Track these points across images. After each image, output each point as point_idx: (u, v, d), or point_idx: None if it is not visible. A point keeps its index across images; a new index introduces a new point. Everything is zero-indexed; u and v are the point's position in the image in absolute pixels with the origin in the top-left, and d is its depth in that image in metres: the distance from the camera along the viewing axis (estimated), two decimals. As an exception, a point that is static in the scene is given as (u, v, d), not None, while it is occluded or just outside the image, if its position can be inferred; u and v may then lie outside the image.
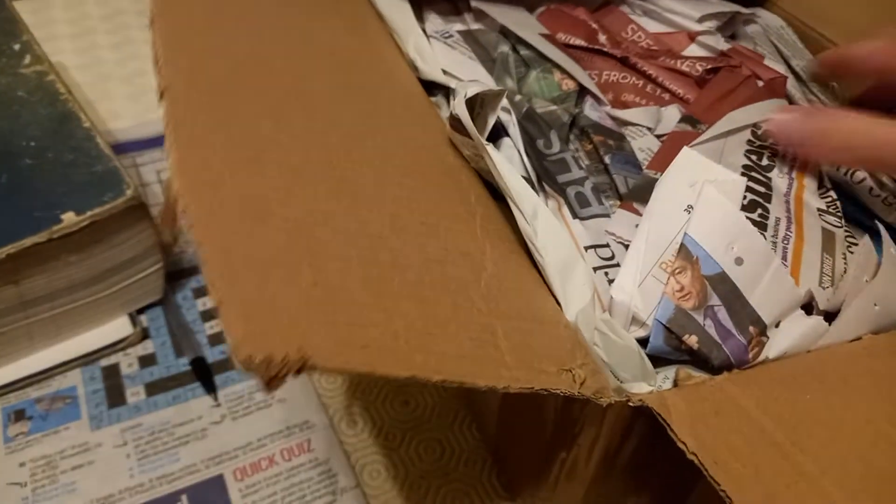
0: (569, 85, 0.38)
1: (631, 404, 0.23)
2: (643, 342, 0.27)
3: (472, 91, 0.32)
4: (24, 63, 0.46)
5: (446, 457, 0.39)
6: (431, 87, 0.38)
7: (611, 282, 0.29)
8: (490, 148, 0.30)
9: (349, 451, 0.39)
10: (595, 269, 0.30)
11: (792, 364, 0.26)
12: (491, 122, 0.33)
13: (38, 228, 0.37)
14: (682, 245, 0.27)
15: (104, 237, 0.39)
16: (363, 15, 0.40)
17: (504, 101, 0.33)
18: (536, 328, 0.26)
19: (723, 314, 0.27)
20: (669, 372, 0.26)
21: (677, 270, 0.27)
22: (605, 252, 0.31)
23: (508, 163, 0.30)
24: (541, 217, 0.29)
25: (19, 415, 0.39)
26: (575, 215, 0.32)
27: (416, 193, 0.29)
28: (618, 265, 0.30)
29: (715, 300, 0.27)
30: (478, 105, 0.34)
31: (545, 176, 0.33)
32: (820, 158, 0.33)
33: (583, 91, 0.38)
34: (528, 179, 0.32)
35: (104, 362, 0.41)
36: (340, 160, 0.28)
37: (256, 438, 0.39)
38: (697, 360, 0.26)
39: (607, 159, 0.34)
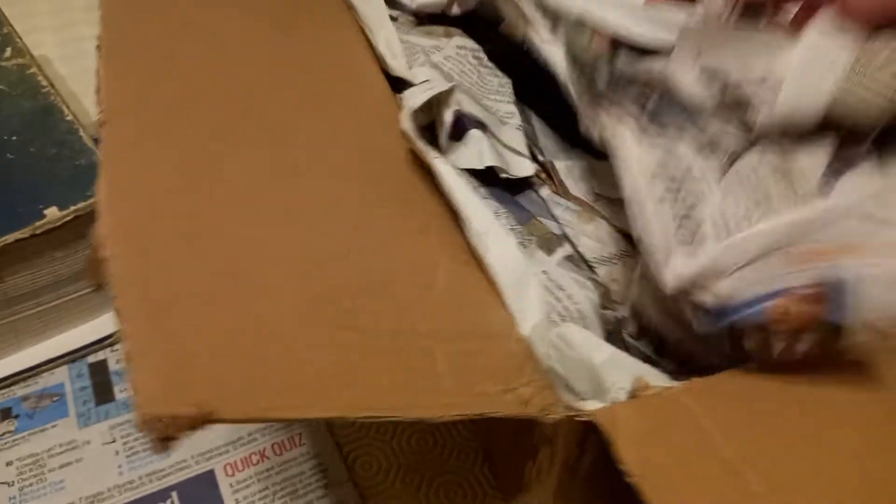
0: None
1: (578, 419, 0.23)
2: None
3: (419, 100, 0.31)
4: (5, 56, 0.45)
5: (438, 448, 0.38)
6: (401, 84, 0.37)
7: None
8: (439, 162, 0.29)
9: (341, 443, 0.38)
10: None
11: (755, 373, 0.25)
12: (448, 120, 0.32)
13: (21, 224, 0.36)
14: None
15: (88, 232, 0.38)
16: (334, 9, 0.39)
17: (459, 95, 0.33)
18: (483, 346, 0.25)
19: None
20: (627, 381, 0.25)
21: None
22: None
23: (460, 175, 0.30)
24: (492, 234, 0.28)
25: (6, 413, 0.38)
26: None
27: (373, 210, 0.28)
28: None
29: None
30: (434, 105, 0.33)
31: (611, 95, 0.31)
32: None
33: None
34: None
35: (91, 359, 0.41)
36: (292, 181, 0.27)
37: (247, 433, 0.38)
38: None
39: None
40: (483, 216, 0.28)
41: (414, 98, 0.31)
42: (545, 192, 0.34)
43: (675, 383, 0.25)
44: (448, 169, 0.29)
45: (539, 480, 0.28)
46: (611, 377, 0.26)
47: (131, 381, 0.18)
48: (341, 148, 0.31)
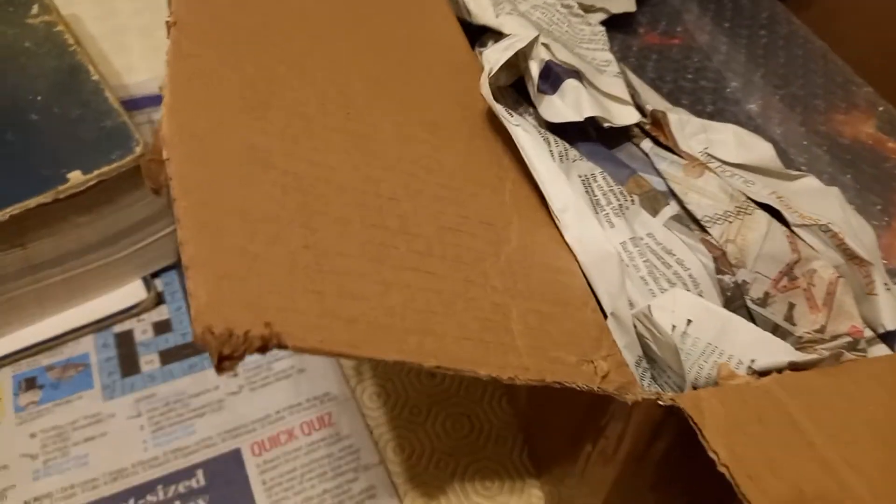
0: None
1: (661, 403, 0.20)
2: None
3: (499, 61, 0.29)
4: (32, 13, 0.44)
5: (475, 433, 0.36)
6: (484, 33, 0.35)
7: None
8: (520, 130, 0.27)
9: (372, 425, 0.36)
10: None
11: (853, 369, 0.22)
12: (535, 73, 0.30)
13: (44, 188, 0.34)
14: None
15: (114, 197, 0.37)
16: None
17: (546, 44, 0.30)
18: (559, 311, 0.23)
19: None
20: (712, 369, 0.23)
21: None
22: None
23: (541, 145, 0.27)
24: (571, 211, 0.25)
25: (30, 383, 0.37)
26: None
27: (441, 153, 0.26)
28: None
29: None
30: (521, 59, 0.31)
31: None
32: None
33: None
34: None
35: (117, 328, 0.40)
36: (360, 112, 0.25)
37: (275, 411, 0.37)
38: None
39: None
40: (563, 192, 0.26)
41: (493, 59, 0.29)
42: (647, 144, 0.31)
43: (802, 356, 0.22)
44: (529, 138, 0.27)
45: (597, 466, 0.26)
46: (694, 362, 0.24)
47: (189, 289, 0.17)
48: (413, 91, 0.28)
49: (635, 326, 0.24)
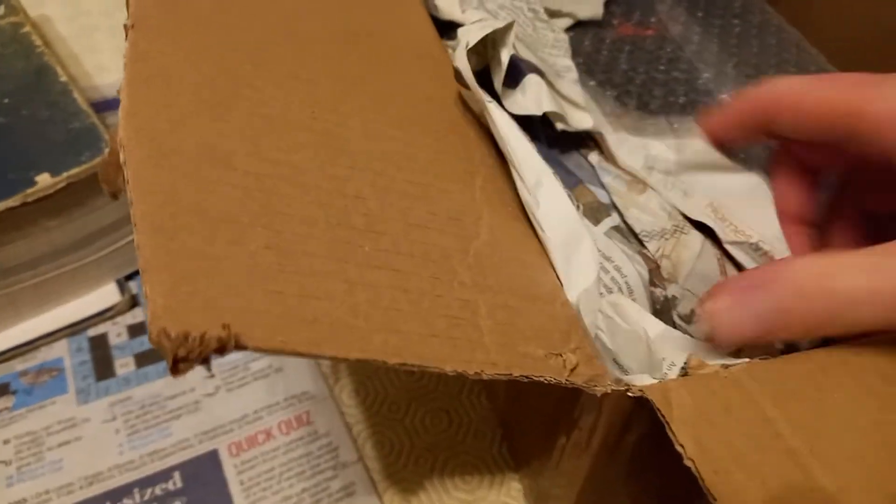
0: None
1: (630, 394, 0.20)
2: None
3: (475, 37, 0.29)
4: (-2, 14, 0.43)
5: (454, 428, 0.36)
6: (450, 29, 0.34)
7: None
8: (493, 106, 0.27)
9: (351, 422, 0.36)
10: None
11: (825, 356, 0.22)
12: (506, 60, 0.30)
13: (12, 192, 0.34)
14: None
15: (84, 200, 0.36)
16: None
17: (515, 38, 0.30)
18: (528, 306, 0.23)
19: None
20: (679, 358, 0.23)
21: None
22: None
23: (514, 124, 0.27)
24: (545, 186, 0.25)
25: (3, 389, 0.37)
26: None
27: (410, 149, 0.25)
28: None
29: None
30: (490, 47, 0.30)
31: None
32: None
33: None
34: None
35: (91, 332, 0.39)
36: (326, 110, 0.25)
37: (252, 411, 0.36)
38: None
39: None
40: (536, 166, 0.26)
41: (470, 34, 0.28)
42: (594, 157, 0.31)
43: (734, 361, 0.22)
44: (502, 114, 0.27)
45: (572, 458, 0.26)
46: (664, 352, 0.24)
47: (146, 293, 0.16)
48: (382, 87, 0.28)
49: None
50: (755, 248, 0.27)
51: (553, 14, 0.39)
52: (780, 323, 0.21)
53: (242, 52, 0.25)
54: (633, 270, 0.25)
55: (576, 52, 0.38)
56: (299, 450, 0.35)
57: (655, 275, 0.27)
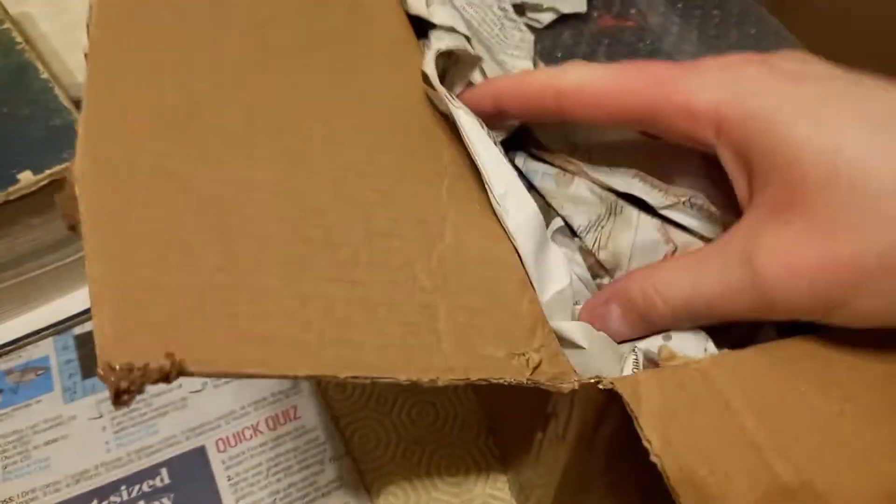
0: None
1: (601, 387, 0.20)
2: None
3: (445, 45, 0.29)
4: (-23, 11, 0.43)
5: (440, 421, 0.36)
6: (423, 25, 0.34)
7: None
8: (462, 112, 0.27)
9: (338, 417, 0.36)
10: None
11: (791, 347, 0.22)
12: (464, 81, 0.30)
13: (-7, 190, 0.34)
14: None
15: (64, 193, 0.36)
16: None
17: (477, 72, 0.30)
18: (491, 305, 0.23)
19: None
20: (653, 343, 0.23)
21: None
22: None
23: (482, 130, 0.27)
24: (512, 195, 0.25)
25: (-12, 388, 0.37)
26: None
27: (375, 154, 0.25)
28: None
29: None
30: (452, 62, 0.31)
31: None
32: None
33: None
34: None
35: (78, 330, 0.39)
36: (289, 123, 0.25)
37: (240, 407, 0.36)
38: None
39: None
40: (504, 174, 0.26)
41: (441, 41, 0.28)
42: (520, 160, 0.31)
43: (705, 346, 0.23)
44: (470, 119, 0.27)
45: (549, 451, 0.26)
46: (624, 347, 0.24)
47: (94, 326, 0.17)
48: (348, 90, 0.28)
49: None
50: (691, 206, 0.27)
51: (534, 8, 0.39)
52: (643, 326, 0.24)
53: (204, 70, 0.25)
54: (574, 271, 0.26)
55: (555, 45, 0.38)
56: (287, 445, 0.35)
57: (597, 267, 0.27)
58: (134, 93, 0.23)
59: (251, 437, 0.35)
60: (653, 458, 0.18)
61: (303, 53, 0.28)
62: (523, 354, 0.21)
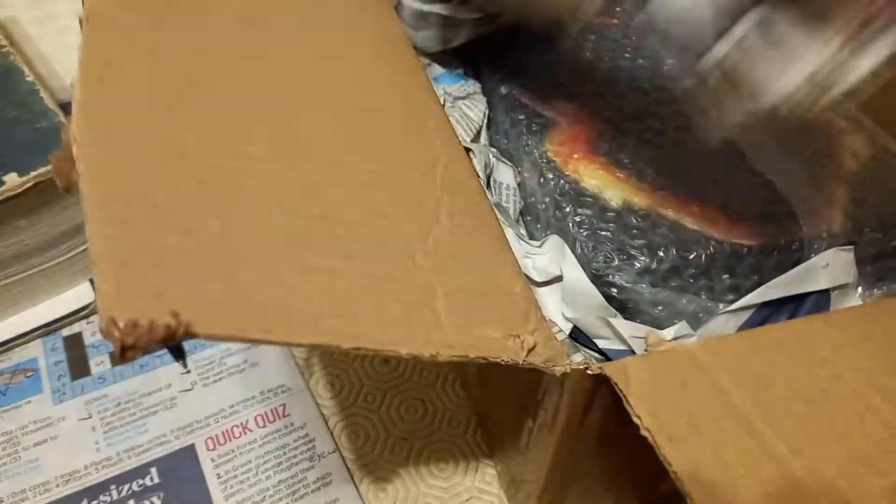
0: None
1: (589, 372, 0.21)
2: None
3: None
4: (-37, 15, 0.43)
5: (429, 416, 0.37)
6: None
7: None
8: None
9: (327, 414, 0.37)
10: None
11: (777, 331, 0.23)
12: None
13: (-21, 192, 0.34)
14: None
15: (54, 199, 0.36)
16: None
17: None
18: (487, 289, 0.23)
19: None
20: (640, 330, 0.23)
21: None
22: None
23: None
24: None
25: (-23, 390, 0.37)
26: None
27: (370, 137, 0.26)
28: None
29: None
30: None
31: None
32: None
33: None
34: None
35: (66, 332, 0.39)
36: (284, 101, 0.25)
37: (229, 405, 0.37)
38: None
39: None
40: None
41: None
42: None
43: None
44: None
45: (539, 440, 0.26)
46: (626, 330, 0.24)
47: (96, 284, 0.17)
48: (344, 75, 0.28)
49: None
50: None
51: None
52: None
53: (198, 45, 0.26)
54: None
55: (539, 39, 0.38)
56: (276, 442, 0.35)
57: None
58: (130, 60, 0.23)
59: (241, 434, 0.36)
60: (643, 432, 0.19)
61: (298, 35, 0.29)
62: (518, 336, 0.22)
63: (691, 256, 0.30)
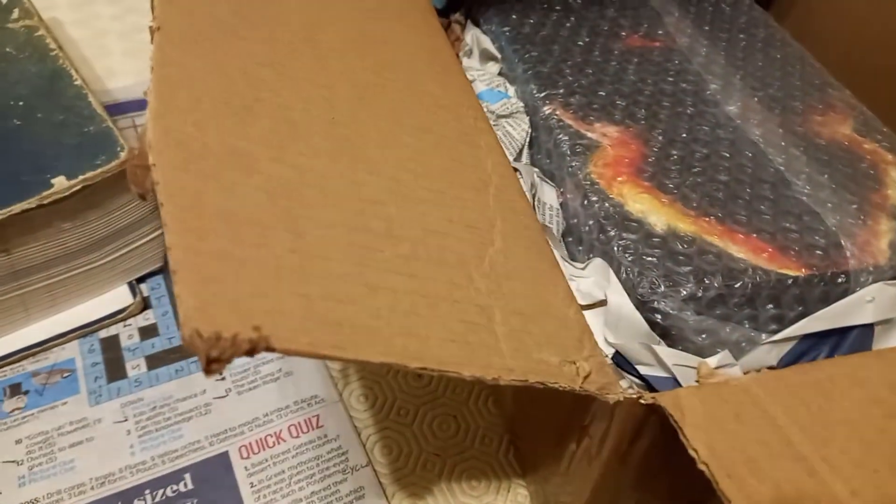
0: None
1: (642, 402, 0.21)
2: None
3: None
4: (12, 18, 0.44)
5: (461, 433, 0.37)
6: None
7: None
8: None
9: (360, 427, 0.37)
10: None
11: (831, 366, 0.23)
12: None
13: (28, 194, 0.34)
14: None
15: (99, 202, 0.37)
16: None
17: None
18: (542, 313, 0.23)
19: None
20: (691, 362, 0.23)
21: None
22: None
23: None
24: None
25: (15, 389, 0.37)
26: None
27: (426, 157, 0.26)
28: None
29: None
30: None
31: None
32: None
33: None
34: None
35: (103, 334, 0.40)
36: (345, 117, 0.25)
37: (263, 414, 0.37)
38: None
39: None
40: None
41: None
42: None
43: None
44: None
45: (581, 465, 0.26)
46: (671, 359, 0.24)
47: (176, 293, 0.17)
48: (396, 93, 0.29)
49: None
50: None
51: None
52: None
53: (262, 58, 0.26)
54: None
55: (586, 63, 0.38)
56: (309, 453, 0.35)
57: None
58: (200, 71, 0.23)
59: (274, 444, 0.36)
60: (700, 466, 0.19)
61: (353, 56, 0.29)
62: (574, 362, 0.22)
63: (737, 285, 0.30)
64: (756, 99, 0.39)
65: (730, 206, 0.33)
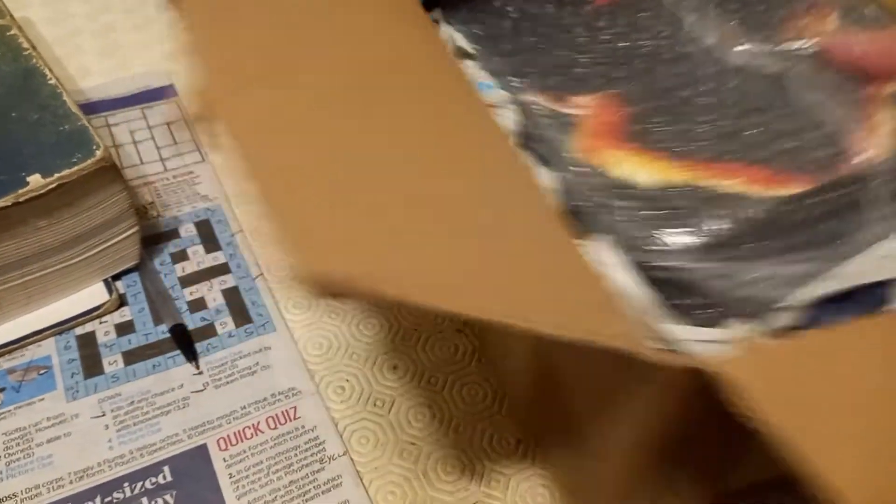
0: None
1: (687, 366, 0.21)
2: None
3: None
4: (-16, 17, 0.44)
5: (436, 423, 0.38)
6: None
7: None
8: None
9: (337, 418, 0.37)
10: None
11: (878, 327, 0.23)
12: None
13: (3, 192, 0.35)
14: None
15: (74, 200, 0.37)
16: None
17: None
18: (606, 300, 0.24)
19: None
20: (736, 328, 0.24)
21: None
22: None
23: None
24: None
25: (-8, 386, 0.37)
26: None
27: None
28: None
29: None
30: None
31: None
32: None
33: None
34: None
35: (79, 331, 0.40)
36: (384, 150, 0.27)
37: (240, 407, 0.37)
38: None
39: None
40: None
41: None
42: None
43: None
44: None
45: (619, 431, 0.27)
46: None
47: (276, 236, 0.17)
48: (435, 127, 0.30)
49: None
50: None
51: None
52: None
53: (304, 86, 0.27)
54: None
55: (556, 40, 0.39)
56: (287, 444, 0.36)
57: None
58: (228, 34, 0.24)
59: (252, 436, 0.36)
60: (758, 428, 0.18)
61: (388, 84, 0.30)
62: (631, 329, 0.23)
63: (741, 220, 0.29)
64: (734, 23, 0.38)
65: (721, 144, 0.32)
